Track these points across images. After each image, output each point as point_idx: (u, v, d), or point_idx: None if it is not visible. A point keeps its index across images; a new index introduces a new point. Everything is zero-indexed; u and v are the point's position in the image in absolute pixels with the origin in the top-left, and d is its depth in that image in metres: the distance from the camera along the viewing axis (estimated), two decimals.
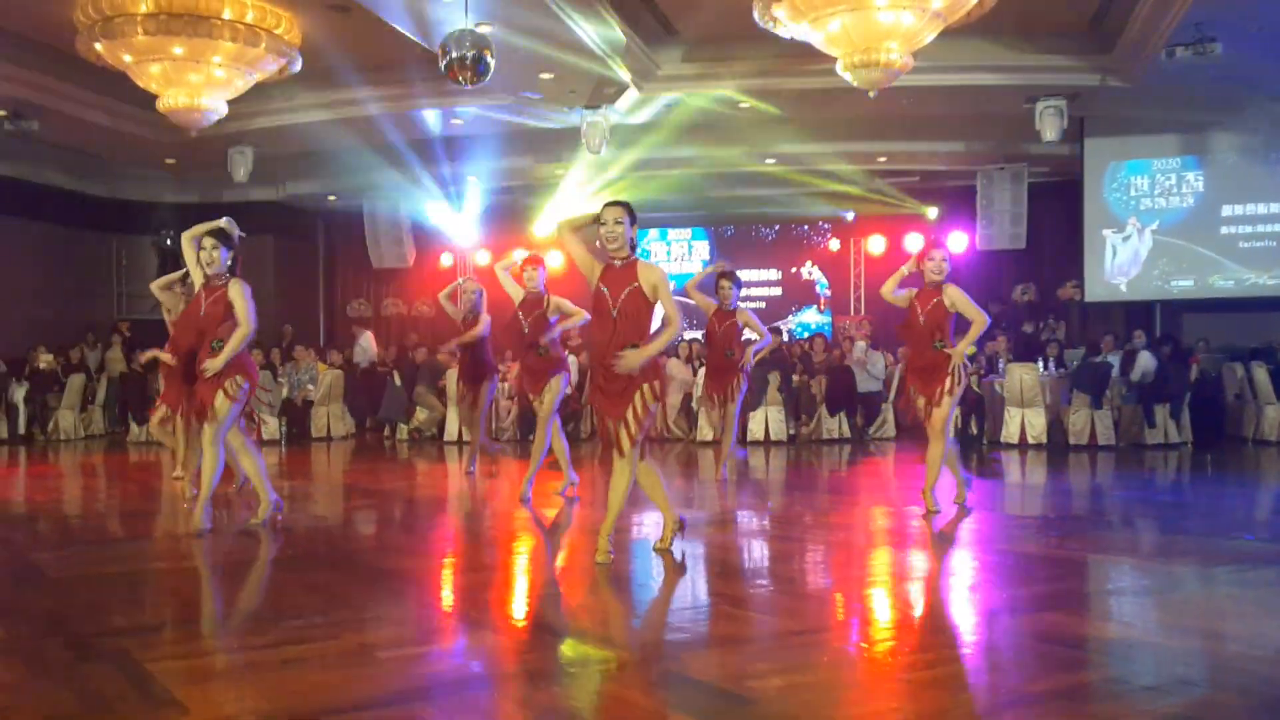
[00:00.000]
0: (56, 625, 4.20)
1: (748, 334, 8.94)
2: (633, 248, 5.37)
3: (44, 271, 16.29)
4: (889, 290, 7.19)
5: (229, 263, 6.25)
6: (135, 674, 3.42)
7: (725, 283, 8.62)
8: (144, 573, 5.49)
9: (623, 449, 5.26)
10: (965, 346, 7.02)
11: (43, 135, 12.89)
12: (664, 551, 5.58)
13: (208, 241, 6.19)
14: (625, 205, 5.36)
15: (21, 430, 14.18)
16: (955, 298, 6.96)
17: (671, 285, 5.47)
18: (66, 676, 3.47)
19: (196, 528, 6.21)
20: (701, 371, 9.19)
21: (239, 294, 6.16)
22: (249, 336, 6.23)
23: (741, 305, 8.81)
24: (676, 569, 5.34)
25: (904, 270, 7.13)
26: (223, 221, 6.38)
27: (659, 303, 5.31)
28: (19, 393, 14.30)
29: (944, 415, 6.94)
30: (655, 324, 5.43)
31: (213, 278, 6.23)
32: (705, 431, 13.16)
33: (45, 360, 14.80)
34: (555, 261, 16.14)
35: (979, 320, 6.96)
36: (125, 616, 4.42)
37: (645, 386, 5.24)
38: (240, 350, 6.20)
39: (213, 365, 6.10)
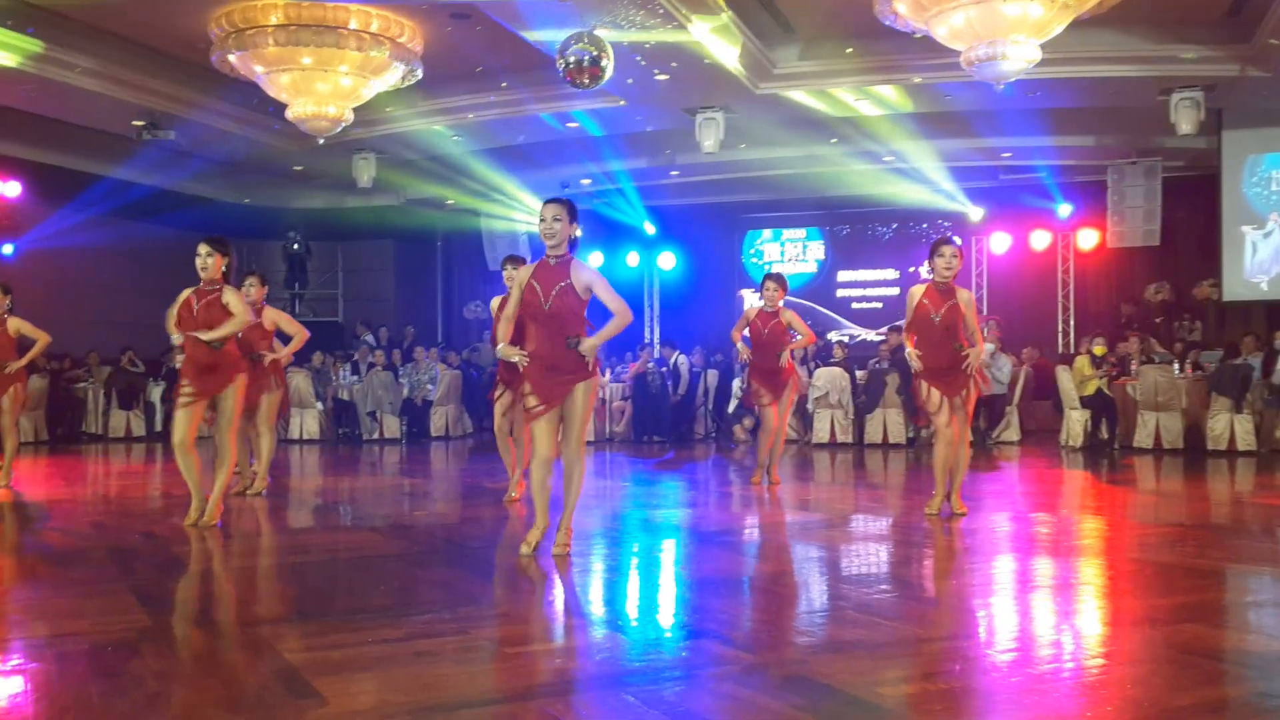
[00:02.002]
0: (199, 615, 4.36)
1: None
2: (572, 246, 5.41)
3: (179, 276, 16.93)
4: (909, 338, 6.97)
5: (224, 270, 6.63)
6: (276, 664, 3.53)
7: (771, 284, 8.58)
8: (278, 566, 5.68)
9: (577, 443, 5.43)
10: (977, 358, 6.73)
11: (178, 145, 13.45)
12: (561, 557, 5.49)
13: (203, 249, 6.59)
14: (565, 202, 5.40)
15: (158, 428, 14.82)
16: (966, 302, 6.72)
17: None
18: (211, 665, 3.60)
19: (209, 521, 6.49)
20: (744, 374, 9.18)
21: (234, 297, 6.58)
22: (241, 326, 6.64)
23: (784, 306, 8.69)
24: (795, 573, 5.27)
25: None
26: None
27: (597, 298, 5.38)
28: (155, 392, 14.96)
29: (968, 418, 6.86)
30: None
31: (207, 284, 6.58)
32: (821, 434, 13.04)
33: (181, 362, 15.43)
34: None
35: (980, 342, 6.81)
36: (263, 607, 4.57)
37: (584, 384, 5.37)
38: (229, 340, 6.56)
39: (208, 334, 6.45)
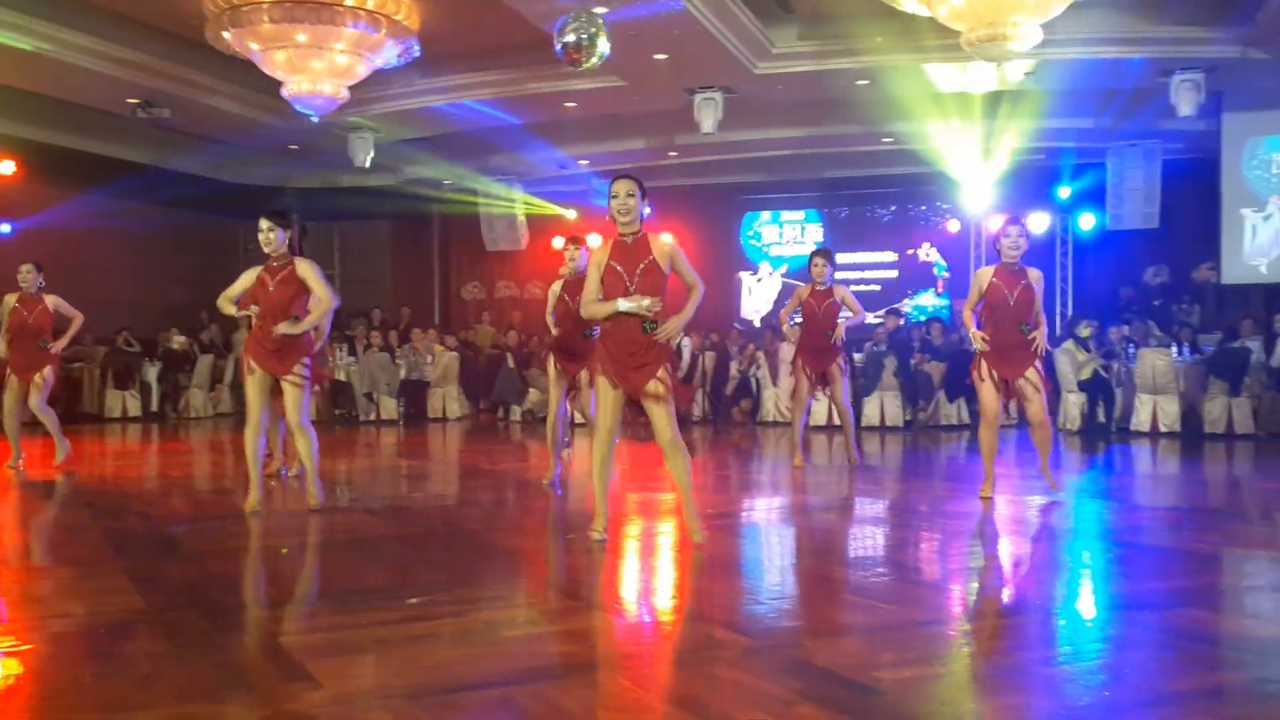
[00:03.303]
0: (193, 597, 4.35)
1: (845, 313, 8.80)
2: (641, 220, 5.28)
3: (175, 257, 16.94)
4: (968, 317, 6.92)
5: (286, 243, 6.29)
6: (269, 646, 3.52)
7: (819, 260, 8.50)
8: (275, 548, 5.66)
9: (670, 430, 5.20)
10: (1042, 335, 6.71)
11: (173, 123, 13.37)
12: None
13: (264, 224, 6.27)
14: (635, 178, 5.25)
15: (154, 408, 14.80)
16: (1037, 280, 6.70)
17: None
18: (204, 647, 3.59)
19: (313, 504, 6.37)
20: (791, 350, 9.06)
21: (310, 272, 6.24)
22: (330, 310, 6.31)
23: (838, 283, 8.63)
24: (791, 556, 5.26)
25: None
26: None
27: (678, 273, 5.24)
28: (151, 372, 14.95)
29: (1044, 404, 6.78)
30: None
31: (274, 259, 6.31)
32: (818, 416, 13.01)
33: (178, 341, 15.41)
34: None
35: (1043, 322, 6.75)
36: (258, 590, 4.56)
37: (666, 365, 5.19)
38: (310, 327, 6.29)
39: (286, 328, 6.16)
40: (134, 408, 14.77)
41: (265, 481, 6.75)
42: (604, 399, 5.27)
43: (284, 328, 6.18)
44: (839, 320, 8.58)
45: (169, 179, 16.10)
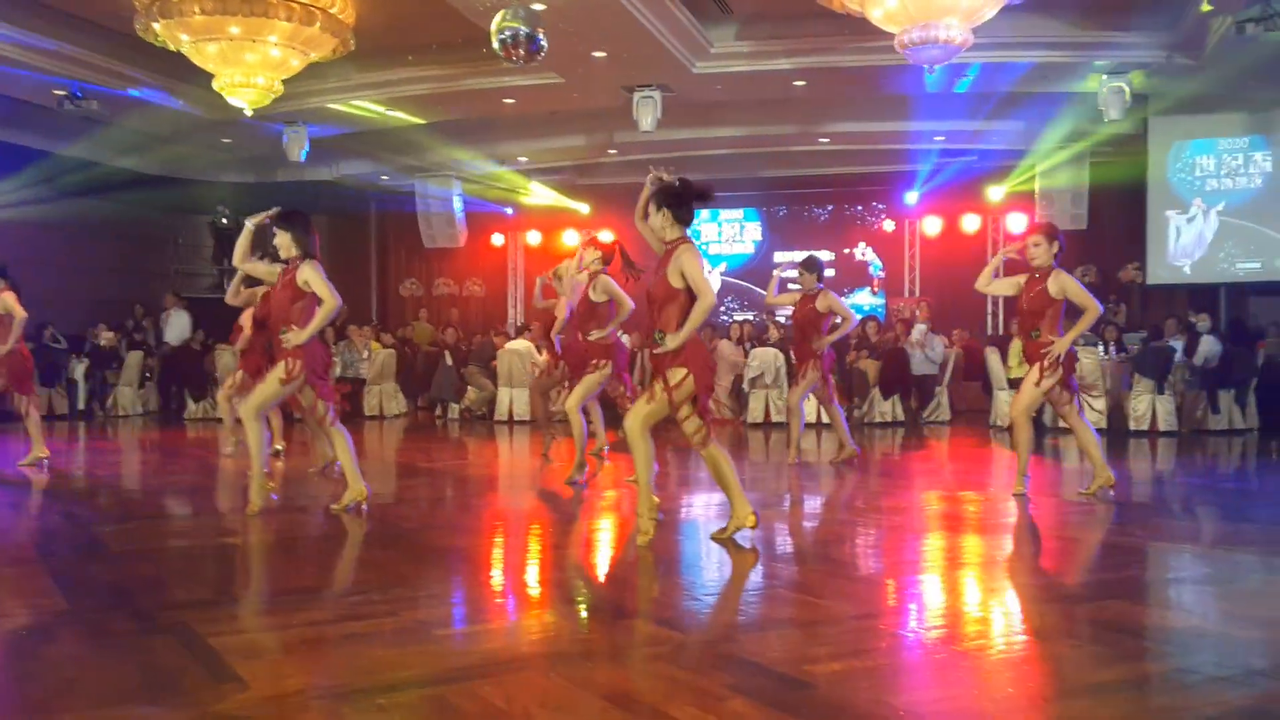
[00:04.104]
0: (119, 599, 4.26)
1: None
2: (682, 227, 5.37)
3: (103, 250, 16.57)
4: (983, 284, 7.38)
5: (295, 245, 6.21)
6: (197, 648, 3.46)
7: (803, 268, 8.84)
8: (203, 548, 5.56)
9: (693, 437, 5.34)
10: (1074, 336, 6.79)
11: (101, 115, 13.06)
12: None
13: (276, 228, 6.25)
14: (664, 189, 5.39)
15: (81, 406, 14.47)
16: (1065, 284, 6.79)
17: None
18: (130, 649, 3.52)
19: (253, 509, 6.24)
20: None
21: (313, 274, 6.15)
22: (334, 311, 6.18)
23: (821, 288, 8.88)
24: (728, 552, 5.29)
25: (994, 262, 7.31)
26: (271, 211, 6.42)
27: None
28: (79, 369, 14.60)
29: (1025, 402, 6.86)
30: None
31: (287, 262, 6.25)
32: (756, 413, 13.11)
33: (106, 337, 15.08)
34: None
35: (1091, 308, 6.72)
36: (186, 591, 4.48)
37: (674, 373, 5.24)
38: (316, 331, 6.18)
39: (293, 339, 6.07)
40: (60, 406, 14.41)
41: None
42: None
43: (291, 339, 6.08)
44: (822, 325, 8.80)
45: (97, 171, 15.74)
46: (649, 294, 5.32)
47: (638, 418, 5.27)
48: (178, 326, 15.69)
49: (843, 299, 9.53)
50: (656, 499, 5.46)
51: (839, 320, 8.80)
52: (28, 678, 3.17)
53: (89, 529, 5.91)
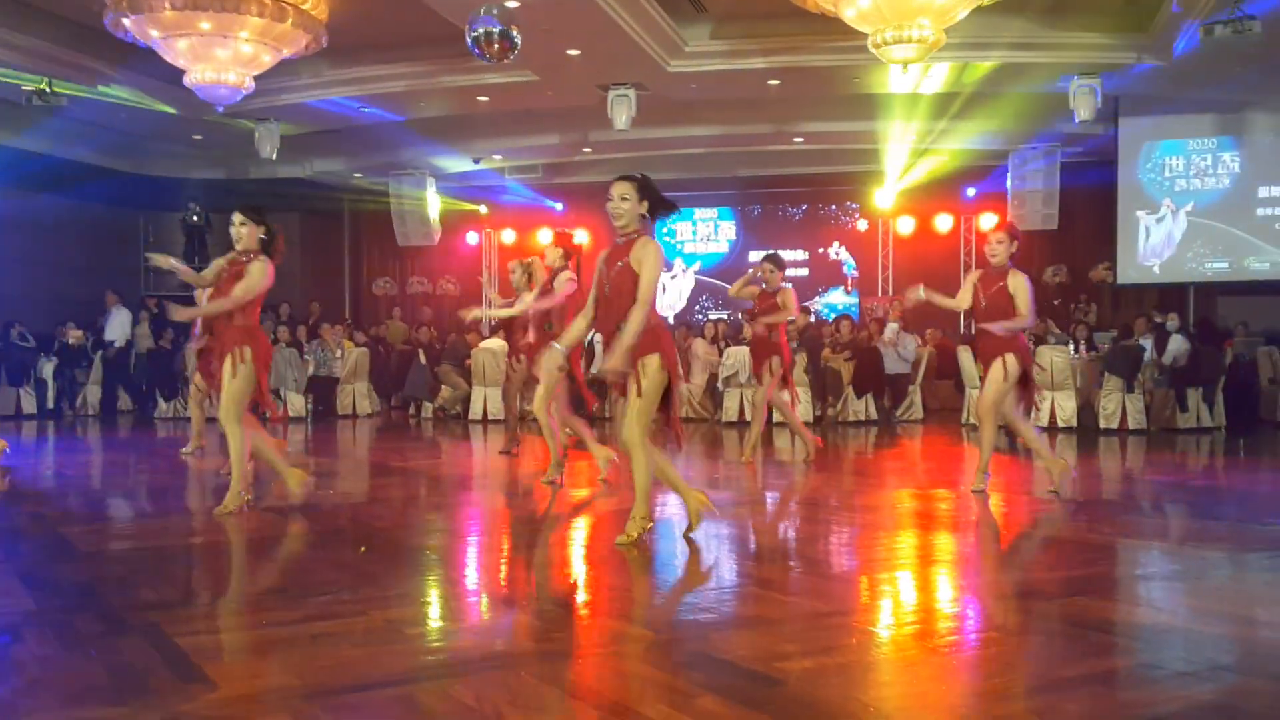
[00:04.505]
0: (87, 599, 4.22)
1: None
2: (647, 221, 5.17)
3: (72, 248, 16.39)
4: (963, 304, 7.34)
5: (256, 240, 6.17)
6: (165, 648, 3.43)
7: (769, 265, 8.77)
8: (173, 548, 5.51)
9: (627, 427, 5.14)
10: (995, 327, 6.88)
11: (71, 111, 12.93)
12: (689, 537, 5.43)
13: (237, 218, 6.18)
14: (634, 180, 5.15)
15: (50, 405, 14.32)
16: (1018, 285, 6.89)
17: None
18: (97, 649, 3.48)
19: (225, 509, 6.18)
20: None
21: (260, 268, 6.13)
22: (235, 304, 6.08)
23: (785, 286, 8.86)
24: (700, 551, 5.30)
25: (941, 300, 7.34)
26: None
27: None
28: (48, 368, 14.44)
29: (993, 398, 6.92)
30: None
31: (240, 253, 6.19)
32: (730, 412, 13.13)
33: (75, 336, 14.92)
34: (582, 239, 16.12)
35: (1024, 316, 6.86)
36: (155, 591, 4.44)
37: (642, 361, 5.07)
38: (248, 320, 6.17)
39: (177, 311, 6.33)
40: (29, 405, 14.26)
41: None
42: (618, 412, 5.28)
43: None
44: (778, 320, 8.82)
45: (66, 168, 15.59)
46: (613, 285, 5.11)
47: (633, 425, 5.09)
48: (118, 325, 15.38)
49: (818, 298, 9.61)
50: (651, 510, 5.33)
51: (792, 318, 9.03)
52: None
53: (56, 529, 5.85)
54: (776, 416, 12.16)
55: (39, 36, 11.31)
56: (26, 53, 11.38)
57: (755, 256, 18.55)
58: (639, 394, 5.05)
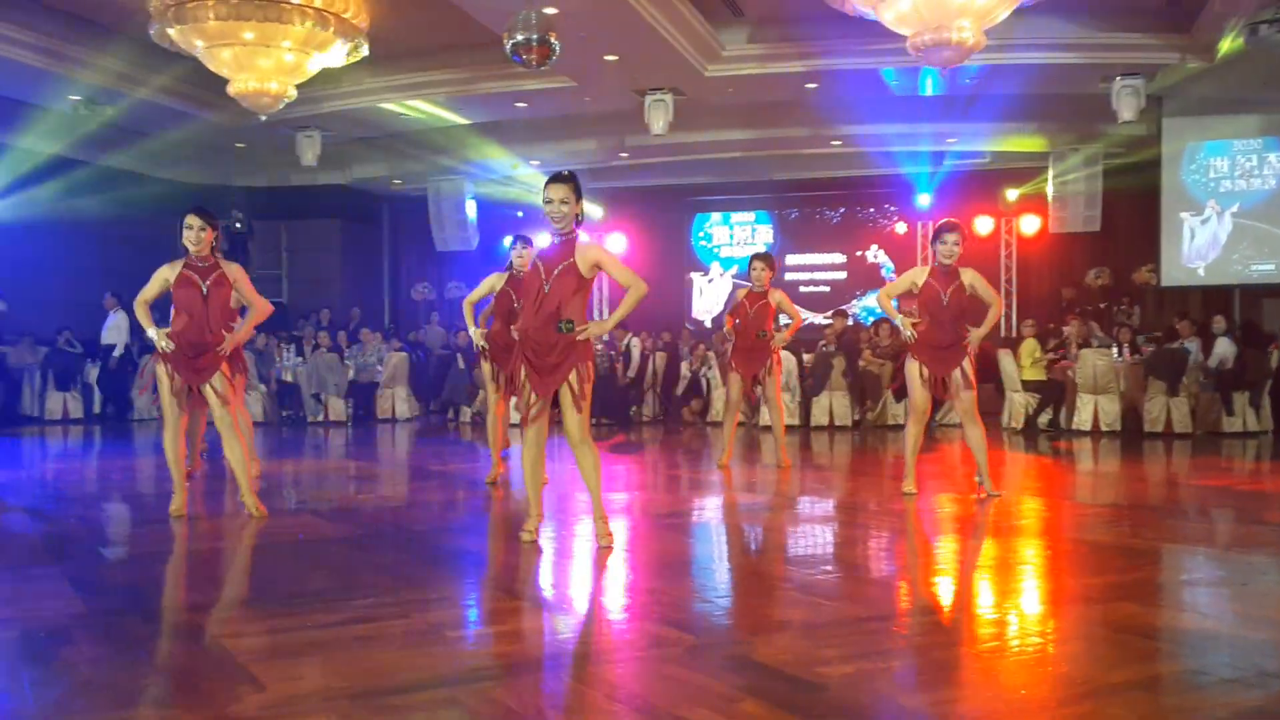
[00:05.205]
0: (135, 601, 4.29)
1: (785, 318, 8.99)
2: (578, 222, 5.23)
3: (117, 255, 16.62)
4: (887, 303, 7.23)
5: (211, 244, 6.13)
6: (212, 650, 3.48)
7: (759, 264, 8.62)
8: (216, 551, 5.60)
9: (579, 429, 5.24)
10: (983, 332, 6.96)
11: (116, 120, 13.14)
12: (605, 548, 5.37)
13: (195, 221, 6.05)
14: (570, 181, 5.17)
15: (97, 410, 14.54)
16: (973, 280, 6.90)
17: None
18: (146, 651, 3.54)
19: (255, 512, 6.27)
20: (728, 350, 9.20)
21: (243, 276, 6.18)
22: (265, 316, 6.30)
23: (776, 287, 8.81)
24: (737, 552, 5.30)
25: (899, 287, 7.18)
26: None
27: (608, 276, 5.25)
28: (93, 373, 14.68)
29: (974, 399, 6.96)
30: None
31: (197, 259, 6.10)
32: (767, 416, 13.09)
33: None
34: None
35: (996, 304, 6.94)
36: (200, 593, 4.51)
37: (579, 367, 5.18)
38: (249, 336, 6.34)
39: (230, 342, 6.15)
40: (75, 409, 14.50)
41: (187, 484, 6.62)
42: (527, 400, 5.27)
43: (229, 344, 6.12)
44: (782, 324, 8.71)
45: (112, 177, 15.84)
46: (554, 286, 5.14)
47: (576, 423, 5.23)
48: (114, 330, 15.41)
49: (856, 302, 9.55)
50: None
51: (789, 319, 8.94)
52: (44, 681, 3.20)
53: (104, 532, 5.94)
54: (763, 419, 12.13)
55: (87, 47, 11.52)
56: (74, 62, 11.59)
57: (793, 260, 18.59)
58: (582, 397, 5.18)
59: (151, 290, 6.18)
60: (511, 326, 6.95)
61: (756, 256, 8.75)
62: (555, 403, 5.27)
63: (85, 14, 11.22)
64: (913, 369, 7.00)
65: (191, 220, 6.06)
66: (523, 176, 17.39)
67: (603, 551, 5.24)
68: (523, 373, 5.24)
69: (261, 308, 6.30)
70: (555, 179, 5.19)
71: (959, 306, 6.86)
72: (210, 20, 9.78)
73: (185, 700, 3.04)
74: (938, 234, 6.90)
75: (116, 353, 14.42)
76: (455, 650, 3.60)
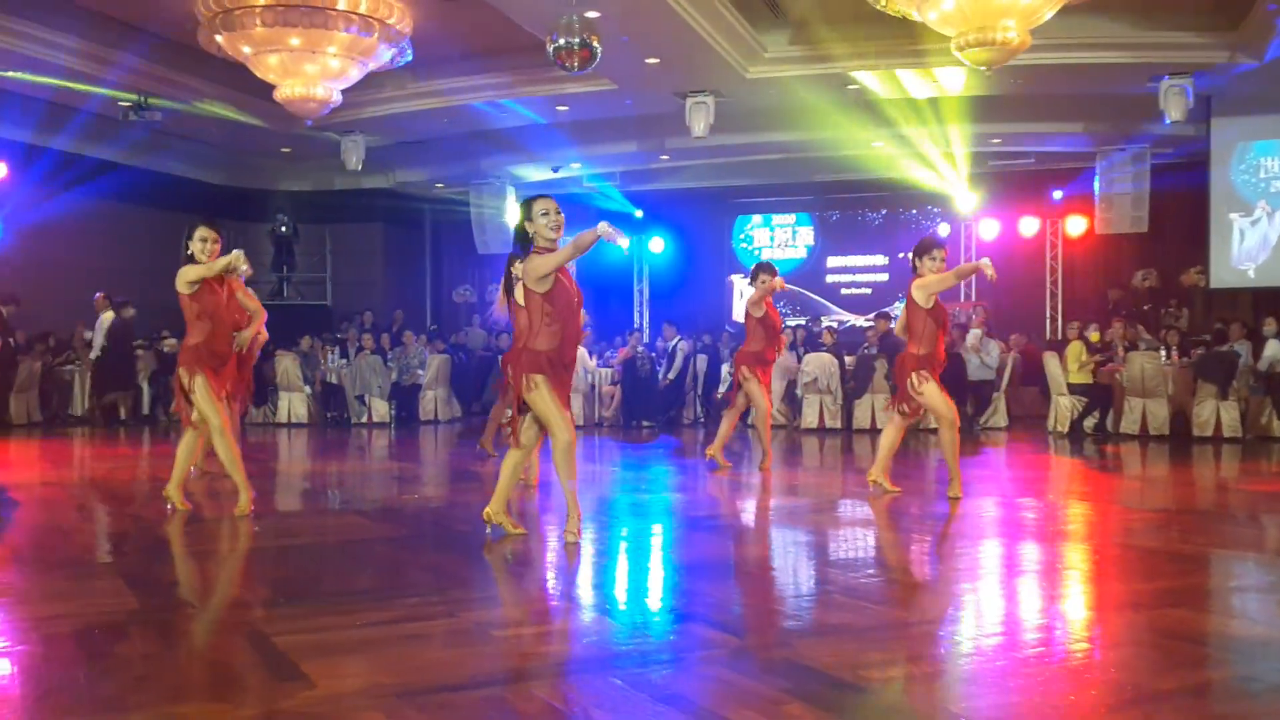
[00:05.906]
0: (188, 599, 4.36)
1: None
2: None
3: (165, 258, 16.82)
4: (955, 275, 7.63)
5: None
6: (262, 647, 3.54)
7: (764, 275, 8.78)
8: (264, 549, 5.67)
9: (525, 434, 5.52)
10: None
11: (164, 125, 13.36)
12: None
13: (210, 234, 6.41)
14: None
15: (146, 411, 14.76)
16: (913, 289, 7.30)
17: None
18: (200, 648, 3.60)
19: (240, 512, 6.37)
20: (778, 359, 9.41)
21: (239, 284, 6.61)
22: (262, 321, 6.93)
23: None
24: (773, 557, 5.29)
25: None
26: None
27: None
28: (144, 374, 14.88)
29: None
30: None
31: (224, 271, 6.38)
32: (810, 419, 13.07)
33: (170, 344, 15.34)
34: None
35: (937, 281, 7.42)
36: (250, 590, 4.58)
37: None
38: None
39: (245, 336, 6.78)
40: (125, 410, 14.70)
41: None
42: (529, 420, 5.49)
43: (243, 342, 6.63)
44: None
45: (160, 180, 16.06)
46: (576, 293, 5.46)
47: (533, 429, 5.50)
48: (104, 330, 15.37)
49: (899, 304, 9.62)
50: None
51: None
52: (100, 676, 3.26)
53: (155, 530, 6.05)
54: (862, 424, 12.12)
55: (136, 54, 11.72)
56: (124, 69, 11.80)
57: (834, 262, 18.51)
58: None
59: (199, 272, 6.34)
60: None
61: (761, 267, 8.95)
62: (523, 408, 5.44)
63: (134, 21, 11.40)
64: (919, 378, 7.11)
65: (205, 233, 6.38)
66: (563, 179, 17.45)
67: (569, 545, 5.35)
68: (547, 390, 5.31)
69: (256, 308, 6.98)
70: (544, 197, 5.50)
71: (942, 319, 7.32)
72: (258, 27, 9.93)
73: (237, 695, 3.09)
74: (928, 251, 7.51)
75: (93, 354, 14.39)
76: (501, 649, 3.63)
